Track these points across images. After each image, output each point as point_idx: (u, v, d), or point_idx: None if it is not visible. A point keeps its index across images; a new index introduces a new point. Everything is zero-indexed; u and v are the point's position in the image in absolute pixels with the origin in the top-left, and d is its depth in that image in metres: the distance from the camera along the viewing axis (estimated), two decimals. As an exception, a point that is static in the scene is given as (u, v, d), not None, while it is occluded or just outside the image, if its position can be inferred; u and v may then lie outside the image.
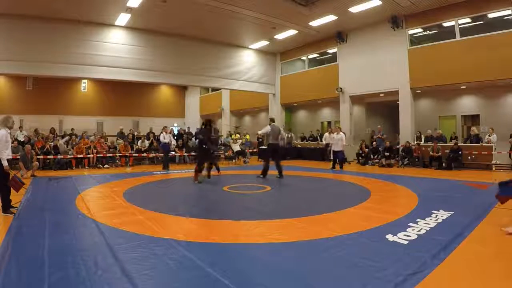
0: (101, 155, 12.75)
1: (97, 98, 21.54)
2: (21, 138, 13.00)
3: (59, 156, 12.00)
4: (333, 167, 11.63)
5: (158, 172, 10.81)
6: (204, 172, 8.75)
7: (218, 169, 9.75)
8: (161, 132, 12.72)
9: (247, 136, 19.34)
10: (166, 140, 11.91)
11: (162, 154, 12.63)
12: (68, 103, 20.38)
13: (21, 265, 2.96)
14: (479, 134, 11.64)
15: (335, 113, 17.22)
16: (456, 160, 11.11)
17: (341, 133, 11.71)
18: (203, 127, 9.09)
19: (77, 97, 20.99)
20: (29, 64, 11.94)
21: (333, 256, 3.19)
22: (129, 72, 13.81)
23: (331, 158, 14.17)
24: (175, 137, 15.18)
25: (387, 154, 12.62)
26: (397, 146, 13.18)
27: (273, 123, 9.26)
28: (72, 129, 14.92)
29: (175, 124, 22.01)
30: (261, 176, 8.93)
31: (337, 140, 11.57)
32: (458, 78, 11.68)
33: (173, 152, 13.97)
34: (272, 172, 9.14)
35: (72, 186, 7.86)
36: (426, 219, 4.45)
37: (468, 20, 11.54)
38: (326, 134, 15.48)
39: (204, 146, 8.56)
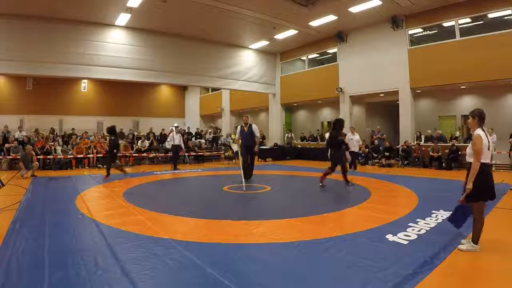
0: (101, 155, 12.74)
1: (97, 98, 21.52)
2: (20, 138, 12.98)
3: (59, 156, 12.01)
4: (355, 168, 11.07)
5: (166, 172, 10.83)
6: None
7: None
8: (170, 132, 12.65)
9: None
10: (176, 142, 11.83)
11: (171, 154, 12.50)
12: (68, 103, 20.35)
13: (21, 265, 2.96)
14: (479, 134, 11.62)
15: (335, 113, 17.19)
16: (456, 160, 11.11)
17: (356, 133, 11.22)
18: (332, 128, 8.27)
19: (77, 97, 20.96)
20: (29, 64, 11.92)
21: (333, 256, 3.20)
22: (129, 72, 13.80)
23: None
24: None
25: (387, 154, 12.61)
26: (397, 146, 13.19)
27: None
28: (73, 129, 14.92)
29: (175, 124, 22.00)
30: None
31: (353, 141, 10.98)
32: (458, 78, 11.68)
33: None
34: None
35: (72, 186, 7.86)
36: (426, 219, 4.45)
37: (468, 20, 11.53)
38: (327, 134, 15.45)
39: (341, 146, 7.94)
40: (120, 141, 14.32)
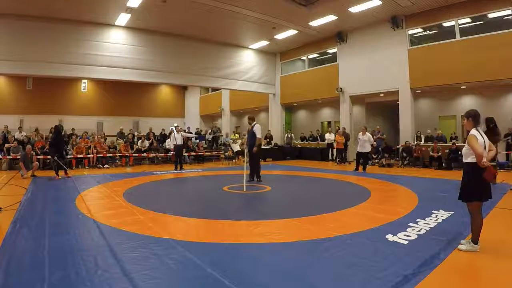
0: (101, 155, 12.75)
1: (97, 98, 21.53)
2: (20, 138, 12.96)
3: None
4: (356, 169, 10.84)
5: (167, 172, 10.86)
6: None
7: None
8: (171, 133, 12.61)
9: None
10: (179, 142, 11.83)
11: (174, 154, 12.48)
12: (68, 103, 20.37)
13: (21, 265, 2.97)
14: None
15: (335, 113, 17.21)
16: (456, 160, 11.11)
17: (367, 133, 10.76)
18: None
19: (77, 97, 20.98)
20: (29, 64, 11.93)
21: (333, 256, 3.20)
22: (129, 72, 13.80)
23: (339, 158, 14.11)
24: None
25: (386, 155, 12.60)
26: (397, 146, 13.20)
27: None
28: (73, 129, 14.92)
29: (175, 124, 22.04)
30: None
31: (363, 142, 10.59)
32: (458, 78, 11.68)
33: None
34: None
35: (72, 186, 7.86)
36: (426, 219, 4.45)
37: (468, 20, 11.54)
38: (327, 134, 15.48)
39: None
40: (120, 141, 14.39)
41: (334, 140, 14.27)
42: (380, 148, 13.16)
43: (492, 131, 7.81)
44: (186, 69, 15.37)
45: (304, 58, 17.53)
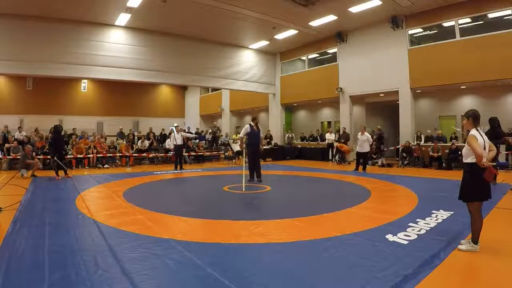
0: (101, 155, 12.75)
1: (97, 98, 21.54)
2: (20, 138, 12.96)
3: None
4: (356, 169, 10.84)
5: (167, 172, 10.86)
6: None
7: None
8: (171, 133, 12.61)
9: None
10: (179, 142, 11.83)
11: (173, 154, 12.50)
12: (68, 103, 20.38)
13: (21, 265, 2.97)
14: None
15: (335, 113, 17.21)
16: (456, 160, 11.11)
17: (366, 133, 10.74)
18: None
19: (77, 97, 20.98)
20: (29, 64, 11.93)
21: (333, 256, 3.20)
22: (129, 72, 13.80)
23: (338, 158, 14.12)
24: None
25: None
26: (397, 146, 13.19)
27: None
28: (74, 129, 14.93)
29: (175, 124, 22.04)
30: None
31: (362, 142, 10.59)
32: (458, 78, 11.68)
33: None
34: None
35: (72, 186, 7.86)
36: (426, 219, 4.45)
37: (468, 20, 11.54)
38: (327, 134, 15.49)
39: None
40: (120, 141, 14.40)
41: (335, 140, 14.26)
42: (380, 148, 13.14)
43: (496, 132, 7.84)
44: (186, 69, 15.38)
45: (304, 58, 17.52)
